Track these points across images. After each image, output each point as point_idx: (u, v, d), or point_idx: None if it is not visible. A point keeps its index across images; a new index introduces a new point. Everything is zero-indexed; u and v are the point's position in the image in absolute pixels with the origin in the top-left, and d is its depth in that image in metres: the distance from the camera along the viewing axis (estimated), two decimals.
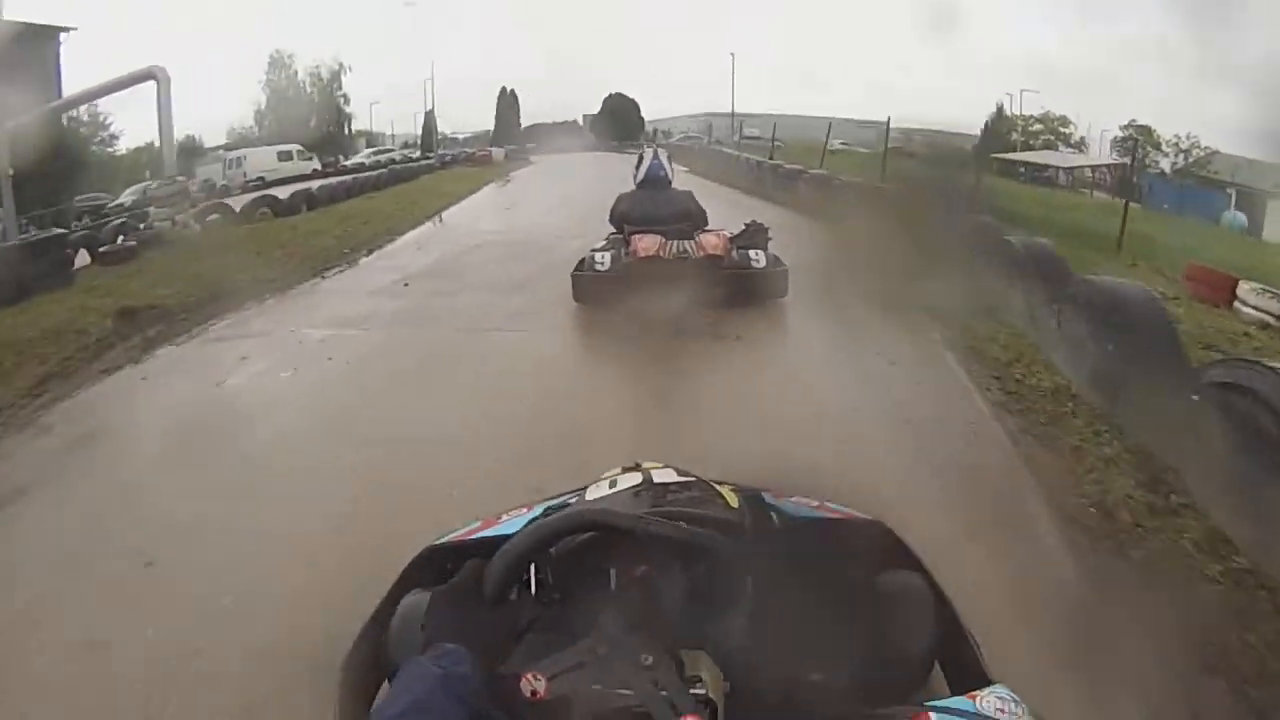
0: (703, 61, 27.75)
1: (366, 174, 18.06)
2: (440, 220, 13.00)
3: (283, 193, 14.64)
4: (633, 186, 6.65)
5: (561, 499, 1.98)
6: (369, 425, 4.04)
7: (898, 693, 1.25)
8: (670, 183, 6.57)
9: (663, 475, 1.63)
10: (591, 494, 1.65)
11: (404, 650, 1.49)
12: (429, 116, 23.65)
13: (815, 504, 1.92)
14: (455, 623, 1.27)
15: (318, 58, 21.87)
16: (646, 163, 6.55)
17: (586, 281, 5.84)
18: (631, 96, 24.11)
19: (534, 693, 1.10)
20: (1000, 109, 17.08)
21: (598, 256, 5.94)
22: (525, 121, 24.81)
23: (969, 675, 1.42)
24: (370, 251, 9.74)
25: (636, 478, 1.63)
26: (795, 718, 1.14)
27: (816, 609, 1.20)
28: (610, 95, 24.02)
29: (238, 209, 13.41)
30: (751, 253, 6.06)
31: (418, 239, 10.97)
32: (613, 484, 1.64)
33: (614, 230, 6.77)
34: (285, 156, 19.94)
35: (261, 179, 18.43)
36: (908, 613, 1.44)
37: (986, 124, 16.69)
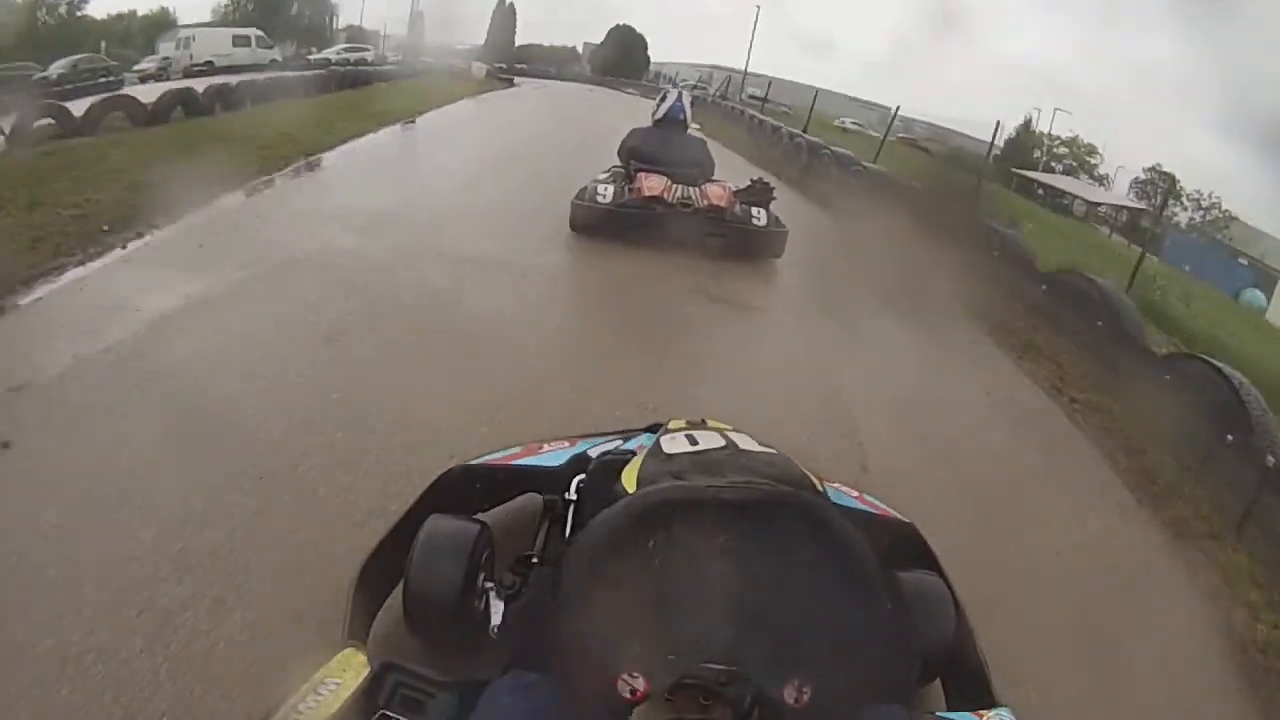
0: (717, 8, 25.56)
1: (310, 73, 15.23)
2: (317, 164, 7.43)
3: (208, 87, 10.28)
4: (649, 123, 6.45)
5: (610, 439, 1.94)
6: None
7: (900, 691, 1.28)
8: (687, 127, 6.39)
9: (744, 441, 1.56)
10: (669, 446, 1.56)
11: (421, 575, 1.52)
12: (416, 19, 21.11)
13: (855, 494, 1.93)
14: (532, 639, 1.23)
15: None
16: (669, 101, 6.35)
17: (585, 211, 5.63)
18: (640, 32, 21.80)
19: (634, 692, 1.07)
20: (1029, 123, 16.18)
21: (600, 188, 5.73)
22: (521, 40, 21.93)
23: (973, 693, 1.44)
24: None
25: (717, 439, 1.56)
26: (809, 709, 1.13)
27: (868, 610, 1.22)
28: (617, 26, 21.61)
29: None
30: (754, 210, 5.96)
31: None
32: (692, 440, 1.56)
33: (619, 164, 6.55)
34: (241, 41, 17.60)
35: (210, 63, 16.24)
36: (930, 616, 1.47)
37: (1013, 134, 15.88)
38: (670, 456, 1.51)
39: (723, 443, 1.54)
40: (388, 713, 1.15)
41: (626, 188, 5.81)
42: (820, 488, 1.59)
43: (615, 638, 1.14)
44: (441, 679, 1.21)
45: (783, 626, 1.15)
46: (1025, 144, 16.14)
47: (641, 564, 1.21)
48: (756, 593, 1.18)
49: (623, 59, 21.21)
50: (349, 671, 1.20)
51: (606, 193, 5.69)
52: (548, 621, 1.22)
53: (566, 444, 1.99)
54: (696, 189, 5.82)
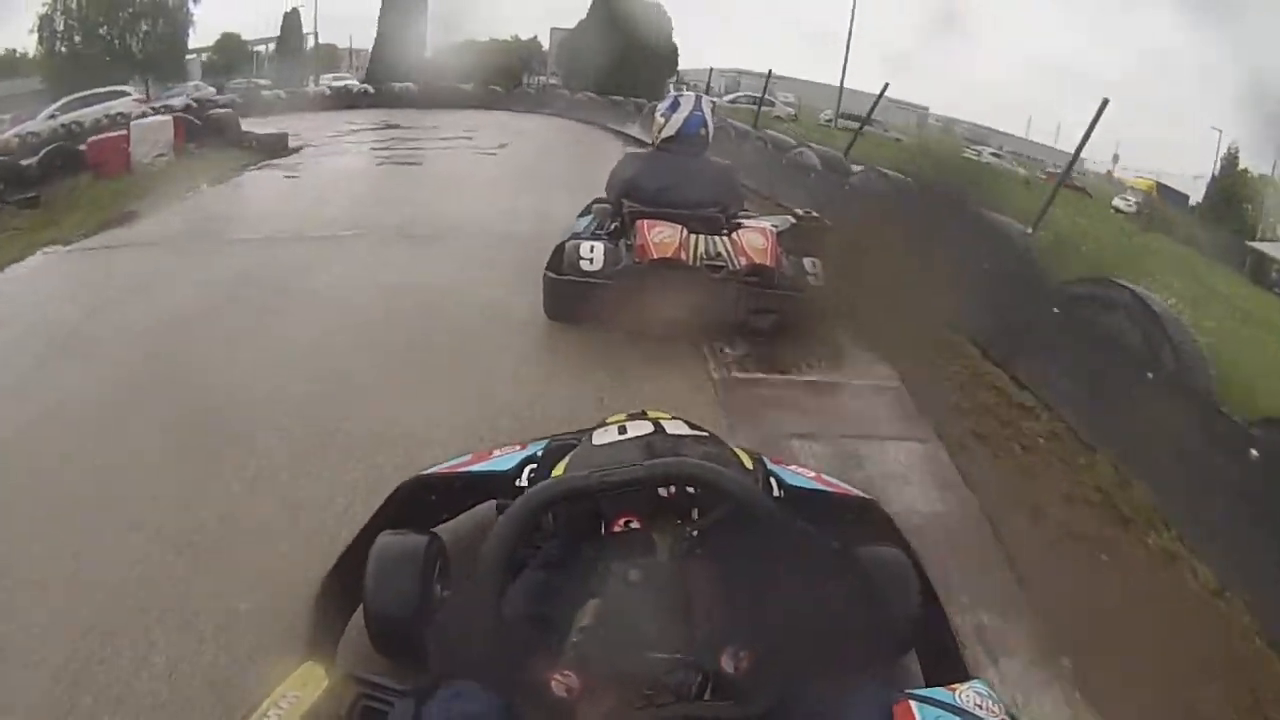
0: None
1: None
2: None
3: None
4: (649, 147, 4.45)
5: (560, 439, 1.89)
6: None
7: (874, 669, 1.33)
8: (707, 145, 4.37)
9: (674, 427, 1.62)
10: (599, 438, 1.61)
11: (377, 594, 1.53)
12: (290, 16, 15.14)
13: (812, 474, 1.92)
14: (462, 647, 1.23)
15: None
16: (685, 110, 4.18)
17: (565, 289, 3.72)
18: (663, 9, 15.38)
19: (569, 690, 1.07)
20: (1234, 157, 10.80)
21: (583, 249, 3.81)
22: (445, 35, 14.86)
23: (947, 667, 1.45)
24: None
25: (647, 426, 1.61)
26: (750, 675, 1.12)
27: (808, 578, 1.20)
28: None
29: None
30: (807, 261, 4.06)
31: None
32: (622, 430, 1.62)
33: (602, 199, 4.63)
34: None
35: None
36: (891, 588, 1.46)
37: (1212, 175, 10.89)
38: (597, 447, 1.57)
39: (650, 429, 1.58)
40: None
41: (623, 245, 3.91)
42: (750, 466, 1.63)
43: (539, 635, 1.20)
44: (400, 687, 1.17)
45: (704, 602, 1.19)
46: (1233, 189, 10.66)
47: (548, 559, 1.37)
48: (671, 572, 1.24)
49: (627, 63, 14.16)
50: (309, 685, 1.17)
51: (593, 255, 3.77)
52: (474, 626, 1.24)
53: (517, 447, 1.99)
54: (726, 240, 3.90)
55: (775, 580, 1.19)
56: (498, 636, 1.17)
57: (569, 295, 3.70)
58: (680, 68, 15.12)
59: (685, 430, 1.59)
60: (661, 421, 1.64)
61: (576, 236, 4.12)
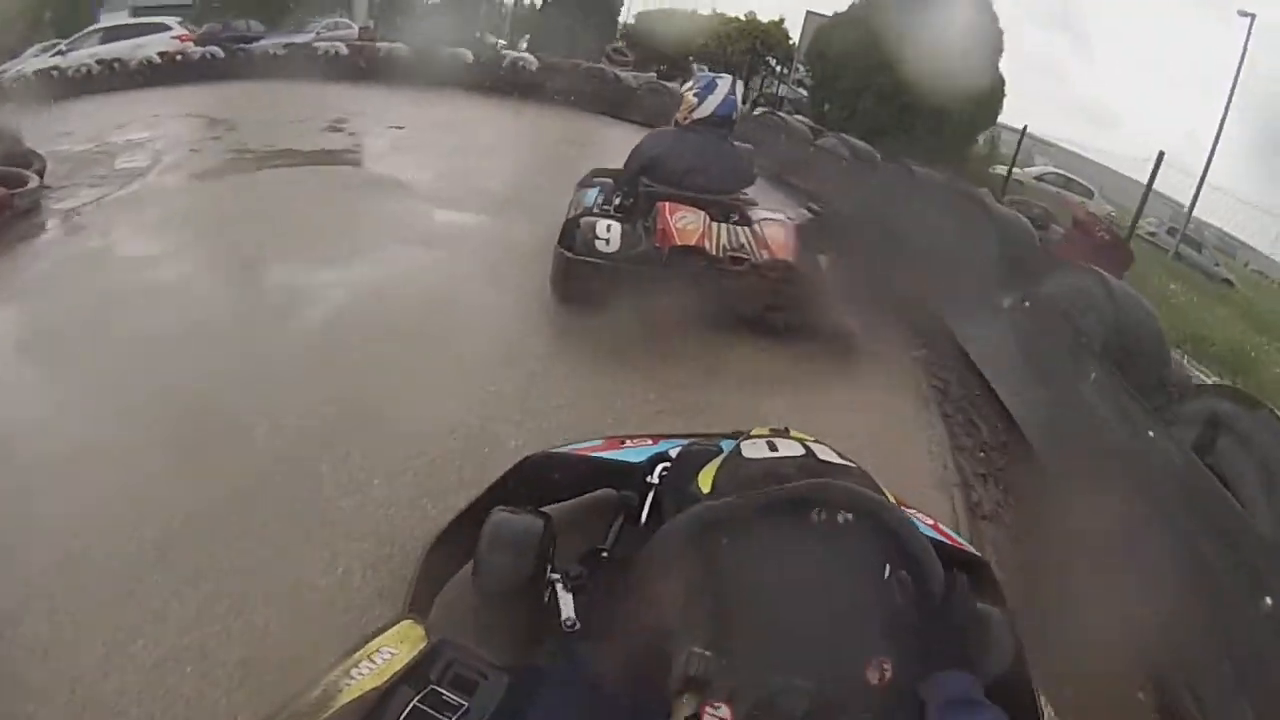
0: None
1: None
2: None
3: None
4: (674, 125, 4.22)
5: (697, 442, 1.83)
6: None
7: None
8: (733, 128, 4.20)
9: (824, 452, 1.57)
10: (749, 451, 1.57)
11: (488, 567, 1.56)
12: None
13: (930, 522, 1.91)
14: (599, 639, 1.27)
15: None
16: (720, 92, 4.00)
17: (577, 269, 3.53)
18: None
19: None
20: None
21: (599, 227, 3.61)
22: None
23: None
24: None
25: (798, 447, 1.57)
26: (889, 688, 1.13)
27: (908, 604, 1.22)
28: None
29: None
30: (821, 258, 3.93)
31: None
32: (772, 446, 1.57)
33: (603, 176, 4.46)
34: None
35: None
36: (986, 642, 1.39)
37: None
38: (748, 460, 1.53)
39: (802, 451, 1.56)
40: (438, 688, 1.13)
41: (642, 226, 3.73)
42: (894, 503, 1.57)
43: (685, 655, 1.15)
44: (495, 662, 1.20)
45: (855, 618, 1.19)
46: None
47: (711, 577, 1.26)
48: (827, 602, 1.22)
49: (917, 96, 8.66)
50: (406, 643, 1.19)
51: (610, 236, 3.58)
52: (612, 628, 1.26)
53: (650, 441, 1.98)
54: (748, 231, 3.74)
55: (899, 610, 1.22)
56: (648, 655, 1.15)
57: (583, 276, 3.52)
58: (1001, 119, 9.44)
59: (835, 458, 1.58)
60: (810, 444, 1.61)
61: (587, 212, 3.94)
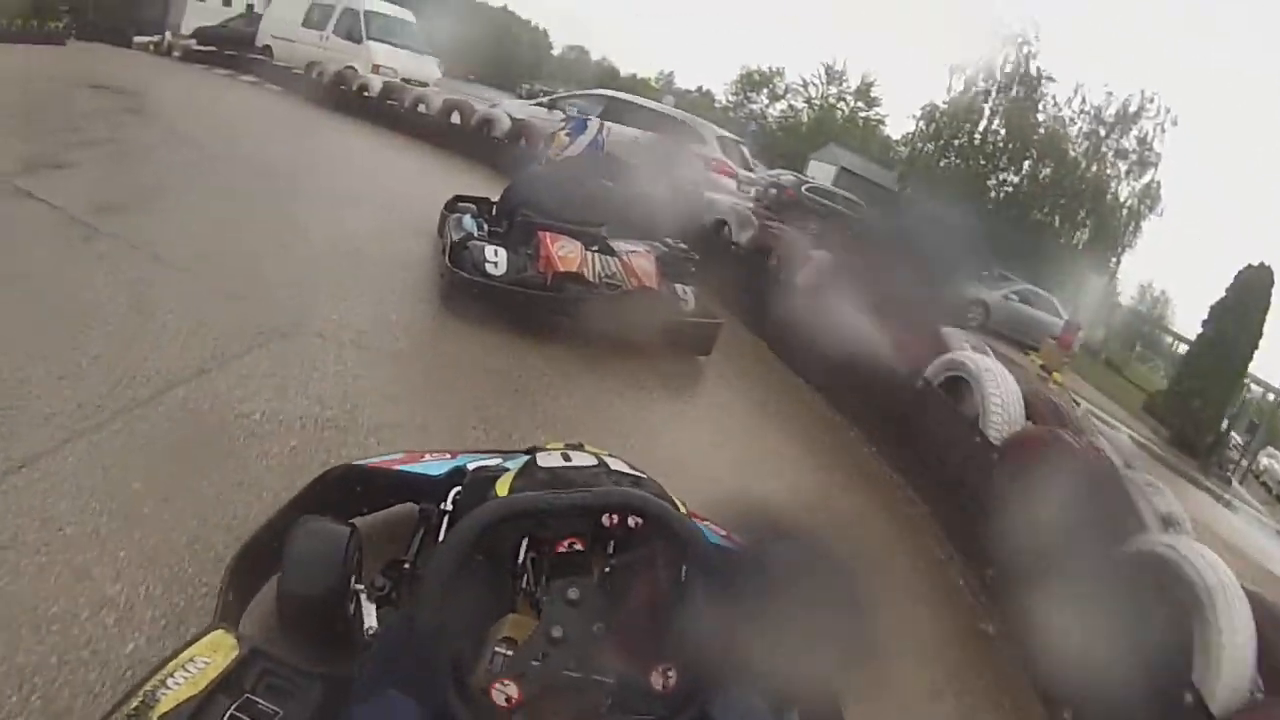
0: None
1: None
2: None
3: None
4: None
5: (489, 456, 1.97)
6: None
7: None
8: (601, 167, 4.71)
9: (616, 463, 1.69)
10: (545, 461, 1.64)
11: (293, 575, 1.52)
12: None
13: (723, 533, 1.90)
14: (401, 653, 1.23)
15: None
16: (590, 134, 4.57)
17: (470, 287, 3.81)
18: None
19: (509, 699, 1.12)
20: None
21: (488, 251, 3.93)
22: None
23: None
24: None
25: (590, 459, 1.68)
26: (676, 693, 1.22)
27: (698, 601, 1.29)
28: None
29: None
30: (678, 287, 4.56)
31: None
32: (566, 457, 1.67)
33: (470, 203, 4.81)
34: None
35: None
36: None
37: None
38: (542, 469, 1.60)
39: (595, 462, 1.66)
40: (253, 696, 1.15)
41: (524, 253, 4.10)
42: (685, 511, 1.66)
43: (485, 641, 1.24)
44: (308, 670, 1.22)
45: (642, 623, 1.28)
46: None
47: (509, 566, 1.40)
48: (607, 593, 1.32)
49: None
50: (219, 652, 1.19)
51: (498, 260, 3.91)
52: (411, 627, 1.24)
53: (447, 455, 2.03)
54: (618, 260, 4.27)
55: (700, 607, 1.28)
56: (440, 641, 1.18)
57: (472, 294, 3.80)
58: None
59: (626, 468, 1.68)
60: (603, 457, 1.71)
61: (469, 237, 4.23)
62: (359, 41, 10.44)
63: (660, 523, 1.34)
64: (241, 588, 1.59)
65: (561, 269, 3.94)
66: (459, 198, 5.10)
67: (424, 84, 10.17)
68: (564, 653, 1.17)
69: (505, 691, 1.12)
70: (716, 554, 1.35)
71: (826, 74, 36.20)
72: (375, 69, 10.24)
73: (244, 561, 1.62)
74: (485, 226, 4.53)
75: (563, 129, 4.65)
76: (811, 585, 1.33)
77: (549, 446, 1.80)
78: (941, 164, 23.24)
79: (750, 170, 10.96)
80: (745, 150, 10.89)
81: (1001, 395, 3.42)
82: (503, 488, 1.57)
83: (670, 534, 1.34)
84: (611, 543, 1.46)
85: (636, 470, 1.69)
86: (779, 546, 1.42)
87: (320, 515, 1.66)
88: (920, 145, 24.48)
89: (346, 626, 1.53)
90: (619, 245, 4.46)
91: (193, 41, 14.14)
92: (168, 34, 14.73)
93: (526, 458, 1.71)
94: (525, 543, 1.44)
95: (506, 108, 9.78)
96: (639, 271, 4.21)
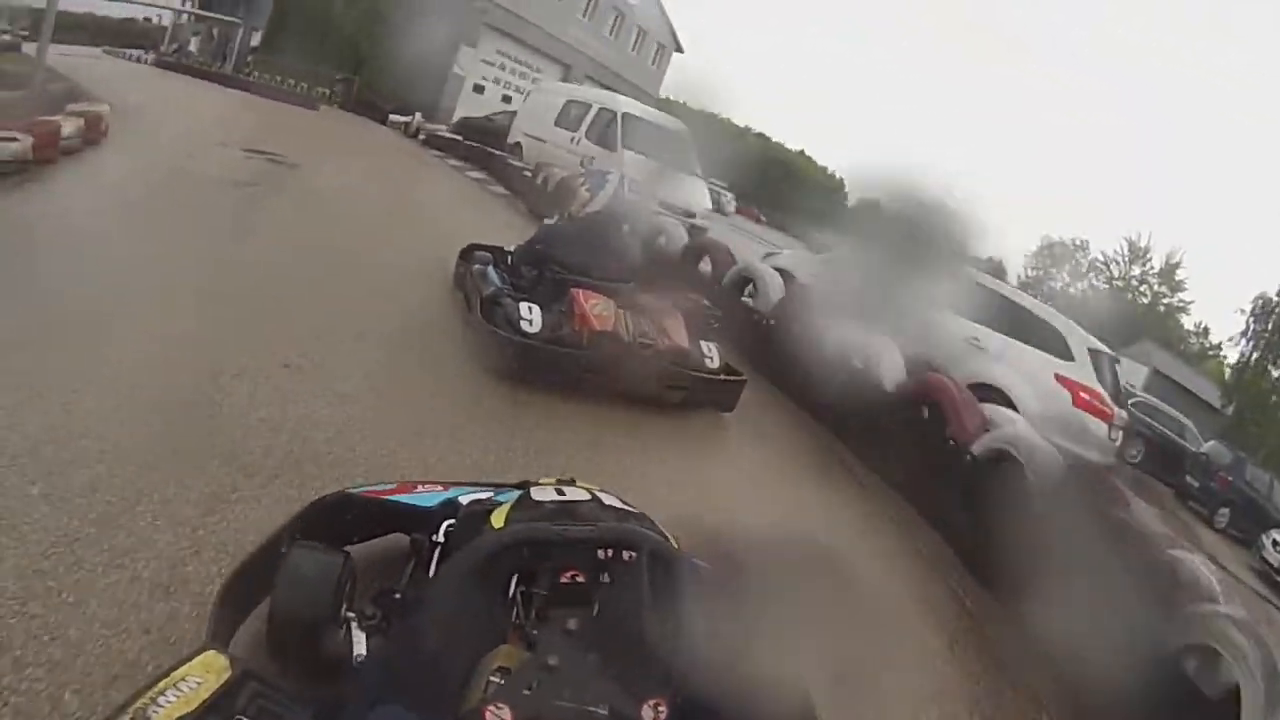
0: None
1: None
2: None
3: None
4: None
5: (482, 489, 1.95)
6: None
7: None
8: (625, 221, 4.65)
9: (608, 499, 1.72)
10: (539, 495, 1.67)
11: (285, 600, 1.51)
12: None
13: (705, 564, 1.93)
14: (394, 670, 1.27)
15: None
16: (611, 187, 4.51)
17: (510, 348, 3.67)
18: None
19: None
20: None
21: (522, 309, 3.81)
22: None
23: None
24: None
25: (584, 494, 1.70)
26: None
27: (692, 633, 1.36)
28: None
29: None
30: (704, 345, 4.50)
31: None
32: (560, 492, 1.70)
33: (487, 252, 4.67)
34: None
35: None
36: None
37: None
38: (538, 503, 1.63)
39: (588, 496, 1.68)
40: (244, 718, 1.16)
41: (557, 310, 3.99)
42: (676, 545, 1.67)
43: (477, 670, 1.27)
44: (298, 695, 1.23)
45: (635, 656, 1.29)
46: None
47: (501, 598, 1.43)
48: (609, 626, 1.36)
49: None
50: (211, 673, 1.20)
51: (533, 319, 3.79)
52: (409, 652, 1.29)
53: (440, 488, 2.03)
54: (649, 320, 4.19)
55: (684, 640, 1.33)
56: (439, 666, 1.22)
57: (515, 354, 3.67)
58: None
59: (618, 503, 1.72)
60: (595, 492, 1.74)
61: (500, 292, 4.11)
62: (612, 150, 8.34)
63: (658, 559, 1.39)
64: (234, 609, 1.60)
65: (598, 328, 3.84)
66: (474, 246, 4.96)
67: (690, 214, 7.80)
68: (559, 681, 1.20)
69: (499, 715, 1.14)
70: (708, 588, 1.39)
71: (1130, 250, 30.39)
72: None
73: (237, 583, 1.62)
74: (507, 278, 4.41)
75: (583, 184, 4.59)
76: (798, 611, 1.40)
77: (542, 481, 1.81)
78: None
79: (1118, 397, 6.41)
80: (1117, 369, 6.58)
81: None
82: (498, 519, 1.60)
83: (666, 569, 1.38)
84: (606, 575, 1.49)
85: (628, 505, 1.71)
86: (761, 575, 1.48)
87: (312, 542, 1.66)
88: (1251, 354, 18.46)
89: (336, 653, 1.54)
90: (646, 301, 4.41)
91: (441, 128, 14.16)
92: (417, 115, 14.81)
93: (519, 492, 1.74)
94: (515, 578, 1.47)
95: (787, 261, 6.68)
96: (670, 331, 4.15)
